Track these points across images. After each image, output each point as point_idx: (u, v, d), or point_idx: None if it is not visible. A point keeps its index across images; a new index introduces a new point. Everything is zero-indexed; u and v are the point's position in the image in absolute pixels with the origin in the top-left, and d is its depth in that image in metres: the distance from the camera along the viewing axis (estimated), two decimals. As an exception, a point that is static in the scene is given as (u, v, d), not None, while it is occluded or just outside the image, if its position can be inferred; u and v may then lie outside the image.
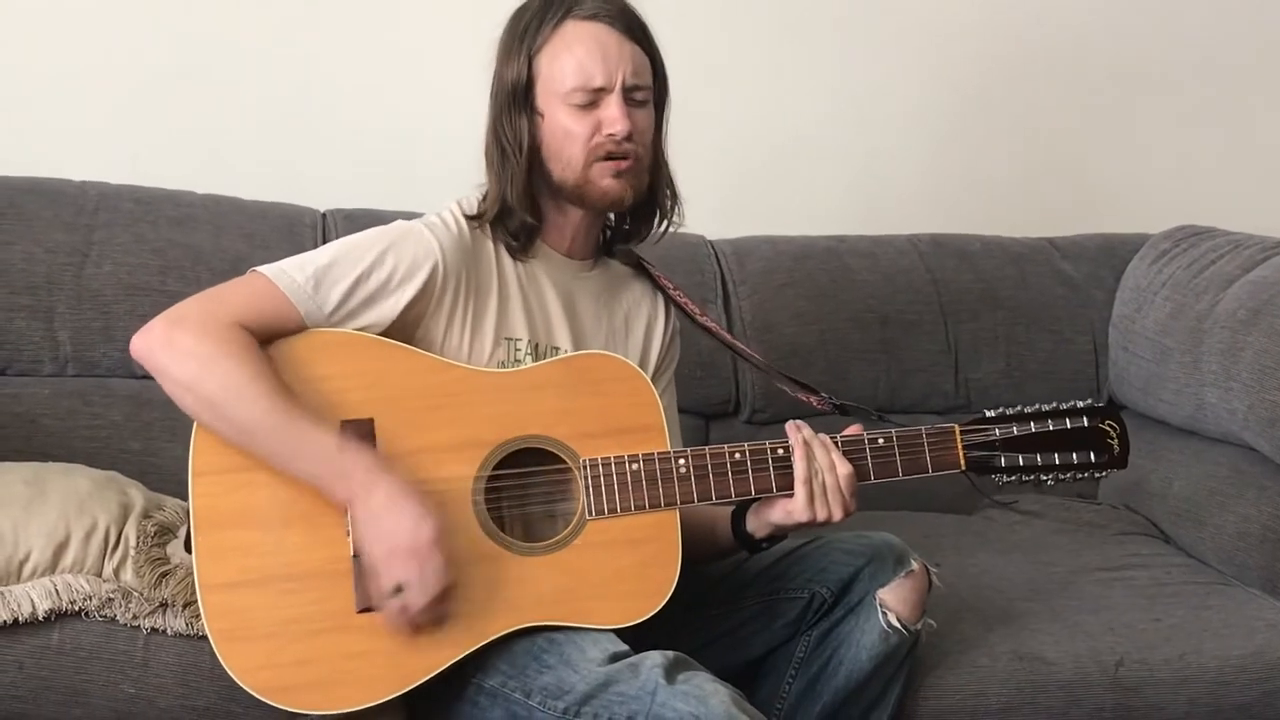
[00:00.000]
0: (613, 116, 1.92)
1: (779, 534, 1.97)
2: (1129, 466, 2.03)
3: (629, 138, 1.93)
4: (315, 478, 1.79)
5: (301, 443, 1.79)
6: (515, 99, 1.95)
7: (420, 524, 1.76)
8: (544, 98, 1.95)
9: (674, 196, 2.06)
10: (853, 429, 1.95)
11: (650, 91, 1.98)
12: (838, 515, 1.90)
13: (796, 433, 1.91)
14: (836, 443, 1.92)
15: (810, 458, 1.89)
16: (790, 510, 1.90)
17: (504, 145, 1.97)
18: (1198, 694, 2.14)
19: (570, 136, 1.94)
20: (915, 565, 1.96)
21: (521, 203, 1.96)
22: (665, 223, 2.07)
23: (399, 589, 1.76)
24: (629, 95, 1.94)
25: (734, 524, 1.98)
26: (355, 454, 1.79)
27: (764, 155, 3.15)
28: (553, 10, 1.95)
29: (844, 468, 1.90)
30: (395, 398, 1.84)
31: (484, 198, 2.00)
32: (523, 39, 1.96)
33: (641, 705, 1.71)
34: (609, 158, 1.94)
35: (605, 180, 1.95)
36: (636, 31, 1.97)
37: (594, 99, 1.93)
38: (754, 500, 1.95)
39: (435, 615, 1.79)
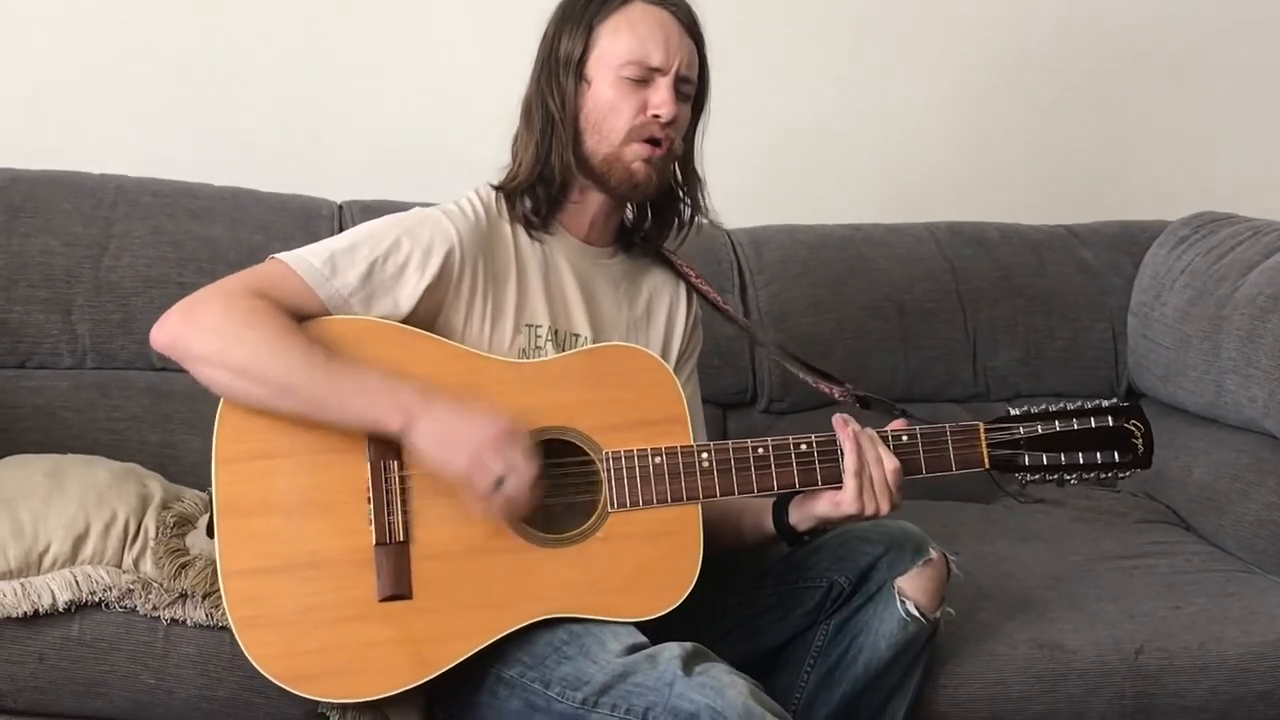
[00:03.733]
0: (662, 99, 1.94)
1: (822, 527, 1.97)
2: (1148, 459, 2.02)
3: (671, 123, 1.95)
4: (367, 414, 1.78)
5: (347, 383, 1.78)
6: (568, 64, 1.96)
7: (491, 418, 1.78)
8: (595, 66, 1.96)
9: (695, 206, 2.06)
10: (896, 423, 1.95)
11: (693, 89, 2.00)
12: (885, 509, 1.90)
13: (845, 426, 1.91)
14: (885, 438, 1.92)
15: (860, 450, 1.89)
16: (839, 501, 1.90)
17: (550, 108, 1.97)
18: (1218, 682, 2.14)
19: (615, 109, 1.94)
20: (934, 553, 1.96)
21: (562, 170, 1.96)
22: (685, 229, 2.08)
23: (499, 482, 1.76)
24: (678, 85, 1.96)
25: (775, 517, 1.98)
26: (402, 380, 1.80)
27: (780, 144, 3.14)
28: None
29: (891, 462, 1.90)
30: None
31: (516, 164, 2.00)
32: (586, 8, 1.97)
33: (659, 696, 1.71)
34: (648, 140, 1.94)
35: (636, 162, 1.95)
36: (696, 32, 2.00)
37: (646, 77, 1.94)
38: (796, 493, 1.95)
39: (535, 500, 1.80)
